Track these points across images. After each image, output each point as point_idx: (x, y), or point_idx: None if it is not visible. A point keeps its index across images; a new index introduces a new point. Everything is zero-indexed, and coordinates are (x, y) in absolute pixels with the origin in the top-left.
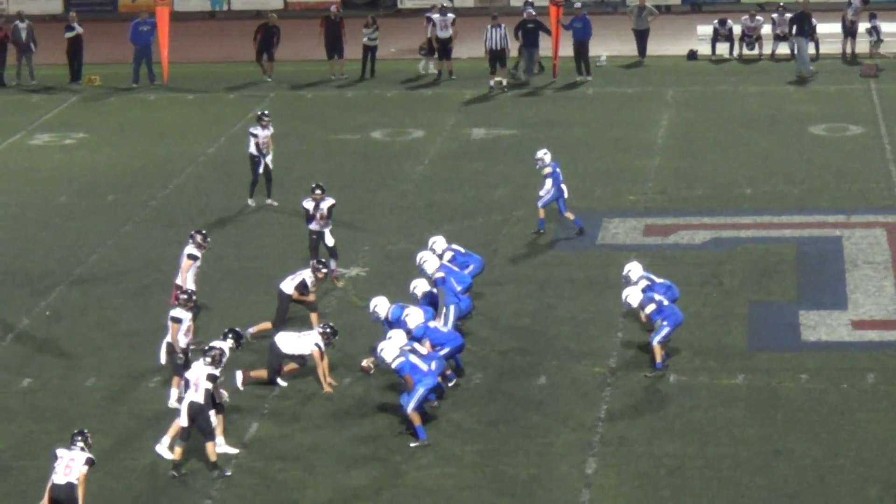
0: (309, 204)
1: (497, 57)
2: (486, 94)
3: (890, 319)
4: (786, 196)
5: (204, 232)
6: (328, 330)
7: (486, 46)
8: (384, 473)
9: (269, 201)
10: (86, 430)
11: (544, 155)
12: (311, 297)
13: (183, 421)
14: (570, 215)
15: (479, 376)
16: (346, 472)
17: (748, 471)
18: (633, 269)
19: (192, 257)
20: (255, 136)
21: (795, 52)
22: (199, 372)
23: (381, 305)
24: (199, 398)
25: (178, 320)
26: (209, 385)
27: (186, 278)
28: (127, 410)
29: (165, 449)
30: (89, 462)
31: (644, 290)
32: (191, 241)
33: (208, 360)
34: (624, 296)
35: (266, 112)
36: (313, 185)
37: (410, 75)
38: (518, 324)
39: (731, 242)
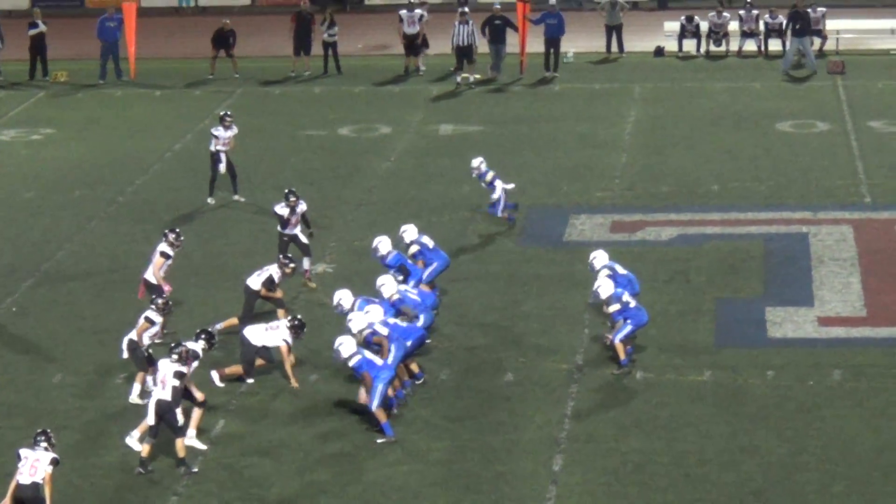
0: (283, 210)
1: (464, 53)
2: (454, 90)
3: (856, 316)
4: (753, 193)
5: (177, 231)
6: (296, 323)
7: (453, 43)
8: (351, 469)
9: (235, 197)
10: (49, 430)
11: (480, 164)
12: (279, 294)
13: (150, 419)
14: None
15: (445, 372)
16: (312, 469)
17: (715, 467)
18: (599, 256)
19: (164, 255)
20: (217, 137)
21: (790, 49)
22: (167, 369)
23: (345, 298)
24: (167, 395)
25: (151, 321)
26: (176, 382)
27: (158, 276)
28: (94, 407)
29: (135, 441)
30: (54, 462)
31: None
32: (164, 239)
33: (175, 357)
34: (595, 286)
35: (229, 112)
36: (287, 191)
37: (378, 71)
38: (485, 320)
39: (698, 239)
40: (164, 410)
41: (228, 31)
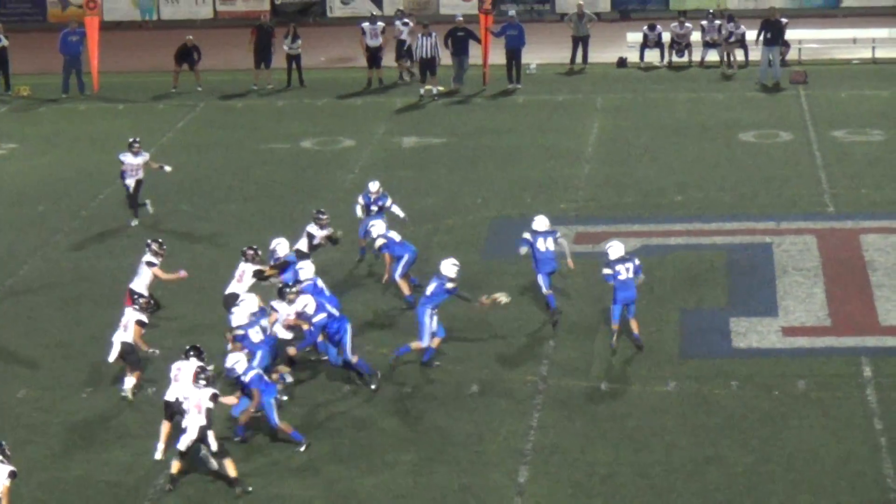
0: (314, 230)
1: (427, 65)
2: (417, 102)
3: (820, 326)
4: (716, 203)
5: (160, 240)
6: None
7: (416, 55)
8: (318, 482)
9: (133, 223)
10: (3, 442)
11: (379, 188)
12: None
13: (183, 444)
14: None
15: (410, 385)
16: (279, 481)
17: (680, 477)
18: (614, 246)
19: (150, 265)
20: (124, 163)
21: (763, 59)
22: (200, 395)
23: (281, 245)
24: (203, 420)
25: (143, 323)
26: (212, 405)
27: (146, 285)
28: (58, 422)
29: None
30: (12, 475)
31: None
32: (147, 249)
33: (203, 381)
34: (607, 245)
35: (136, 139)
36: (317, 211)
37: (341, 84)
38: (449, 332)
39: (662, 249)
40: (203, 434)
41: (192, 46)
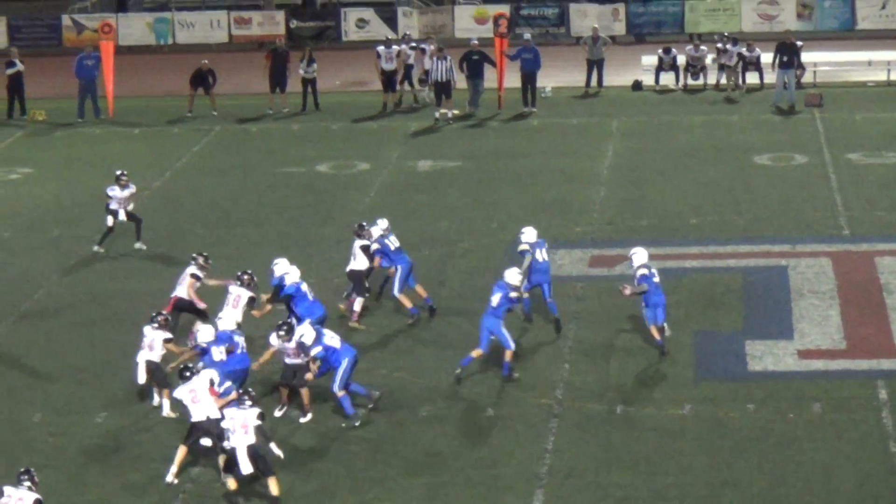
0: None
1: (442, 89)
2: (432, 125)
3: (836, 349)
4: (731, 226)
5: (205, 254)
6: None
7: (431, 78)
8: None
9: (137, 245)
10: (32, 469)
11: (378, 228)
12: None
13: (246, 468)
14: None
15: (426, 408)
16: None
17: (696, 501)
18: (638, 254)
19: (195, 277)
20: (111, 197)
21: (778, 81)
22: (247, 416)
23: (279, 266)
24: (252, 439)
25: (169, 340)
26: (259, 422)
27: (191, 294)
28: (74, 445)
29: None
30: (37, 503)
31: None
32: (193, 262)
33: (248, 402)
34: (631, 253)
35: (124, 172)
36: (359, 225)
37: (356, 108)
38: (464, 355)
39: (677, 272)
40: (255, 453)
41: (207, 70)
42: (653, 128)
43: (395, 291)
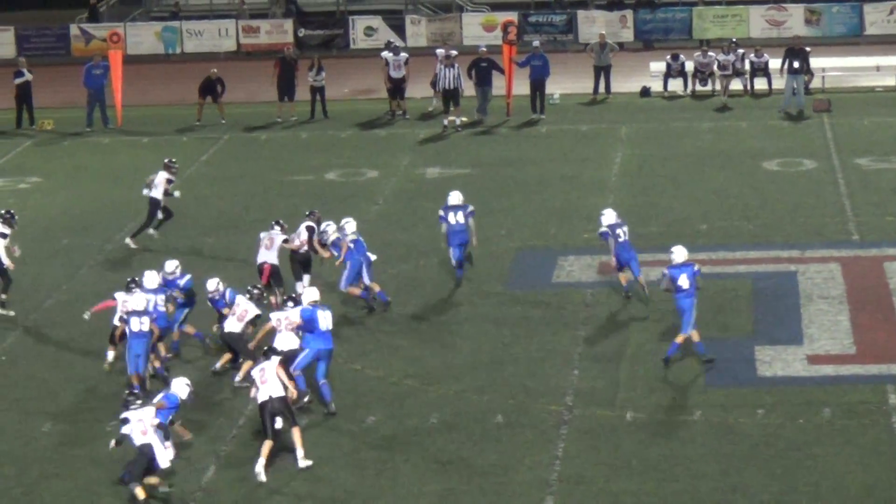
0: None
1: (450, 96)
2: (440, 133)
3: (845, 353)
4: (740, 232)
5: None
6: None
7: (438, 86)
8: None
9: (127, 240)
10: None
11: (345, 224)
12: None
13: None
14: (375, 286)
15: (435, 416)
16: None
17: None
18: (607, 214)
19: (309, 229)
20: (155, 185)
21: (787, 87)
22: (144, 415)
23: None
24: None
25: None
26: (158, 420)
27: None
28: (84, 455)
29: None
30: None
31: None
32: (309, 217)
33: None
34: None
35: (173, 160)
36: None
37: (364, 115)
38: (474, 362)
39: None
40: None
41: (216, 79)
42: (661, 134)
43: (342, 286)
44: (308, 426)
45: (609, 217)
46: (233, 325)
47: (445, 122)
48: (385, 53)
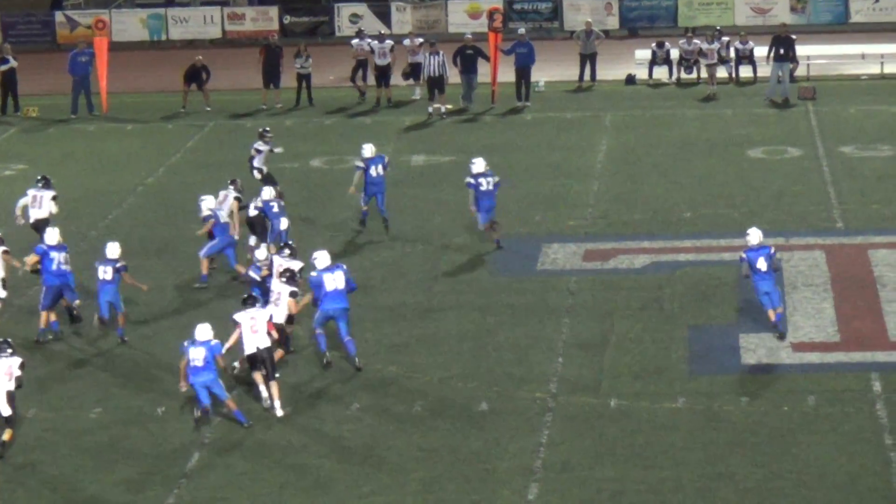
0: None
1: (435, 84)
2: (425, 120)
3: (829, 341)
4: (725, 219)
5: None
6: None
7: (424, 74)
8: (327, 502)
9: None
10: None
11: (201, 202)
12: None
13: (5, 410)
14: (240, 268)
15: (420, 403)
16: (288, 502)
17: (690, 494)
18: (476, 164)
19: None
20: (259, 152)
21: (772, 75)
22: (9, 364)
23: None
24: (12, 385)
25: (295, 294)
26: (20, 372)
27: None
28: (68, 441)
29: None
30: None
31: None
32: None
33: (10, 351)
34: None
35: (267, 129)
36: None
37: (349, 103)
38: (459, 350)
39: (671, 266)
40: (13, 397)
41: (201, 66)
42: (646, 122)
43: (202, 253)
44: (293, 414)
45: (478, 166)
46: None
47: (430, 109)
48: (355, 41)
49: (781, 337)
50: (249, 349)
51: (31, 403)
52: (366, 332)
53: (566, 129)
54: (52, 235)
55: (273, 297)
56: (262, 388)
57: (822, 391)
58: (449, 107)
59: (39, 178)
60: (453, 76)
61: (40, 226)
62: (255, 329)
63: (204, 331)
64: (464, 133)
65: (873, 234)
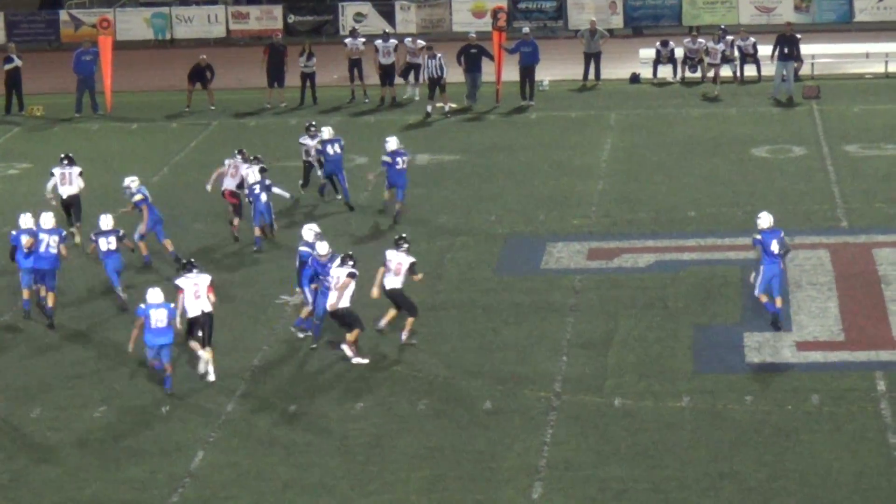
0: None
1: (435, 83)
2: (424, 119)
3: (834, 340)
4: (729, 218)
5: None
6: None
7: (423, 75)
8: (330, 500)
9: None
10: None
11: (131, 182)
12: None
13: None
14: (168, 244)
15: (424, 402)
16: (292, 500)
17: (695, 493)
18: (390, 142)
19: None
20: (304, 144)
21: (777, 74)
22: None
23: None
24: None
25: (353, 276)
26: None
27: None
28: (72, 441)
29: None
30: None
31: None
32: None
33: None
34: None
35: (312, 122)
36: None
37: (353, 102)
38: (463, 348)
39: (675, 265)
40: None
41: (205, 65)
42: (650, 121)
43: (136, 236)
44: (295, 413)
45: (392, 144)
46: (393, 282)
47: (429, 108)
48: (348, 40)
49: (778, 325)
50: (193, 313)
51: (35, 403)
52: (369, 331)
53: (570, 128)
54: (46, 219)
55: (332, 282)
56: (200, 353)
57: (827, 390)
58: (453, 105)
59: (63, 156)
60: (453, 76)
61: (72, 202)
62: (197, 294)
63: (158, 293)
64: (468, 132)
65: (877, 232)
